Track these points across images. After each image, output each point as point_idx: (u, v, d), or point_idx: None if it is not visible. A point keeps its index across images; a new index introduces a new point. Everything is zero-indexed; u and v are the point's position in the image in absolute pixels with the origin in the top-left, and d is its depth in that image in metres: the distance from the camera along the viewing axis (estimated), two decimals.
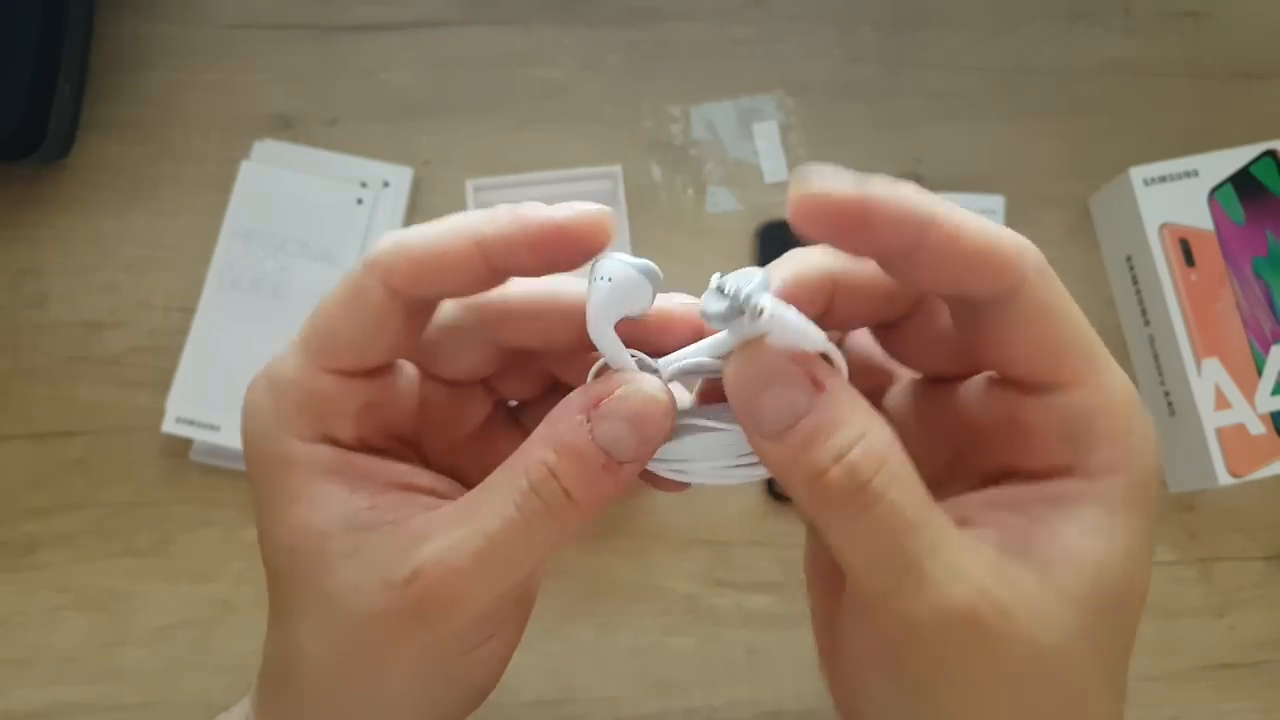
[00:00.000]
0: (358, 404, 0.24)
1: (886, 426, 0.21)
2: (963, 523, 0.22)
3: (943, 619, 0.20)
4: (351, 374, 0.24)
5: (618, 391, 0.22)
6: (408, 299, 0.23)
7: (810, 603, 0.27)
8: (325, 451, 0.24)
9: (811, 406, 0.21)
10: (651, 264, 0.22)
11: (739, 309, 0.21)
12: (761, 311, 0.20)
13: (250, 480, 0.25)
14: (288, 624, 0.24)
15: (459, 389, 0.27)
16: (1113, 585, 0.22)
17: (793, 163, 0.54)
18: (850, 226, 0.20)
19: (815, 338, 0.21)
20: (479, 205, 0.50)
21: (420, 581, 0.22)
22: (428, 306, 0.25)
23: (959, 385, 0.26)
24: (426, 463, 0.27)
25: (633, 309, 0.22)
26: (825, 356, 0.21)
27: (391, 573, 0.22)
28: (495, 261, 0.23)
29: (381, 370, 0.25)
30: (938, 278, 0.22)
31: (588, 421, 0.22)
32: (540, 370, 0.28)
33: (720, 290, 0.22)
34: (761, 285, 0.21)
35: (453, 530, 0.22)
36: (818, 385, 0.21)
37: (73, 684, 0.48)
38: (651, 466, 0.24)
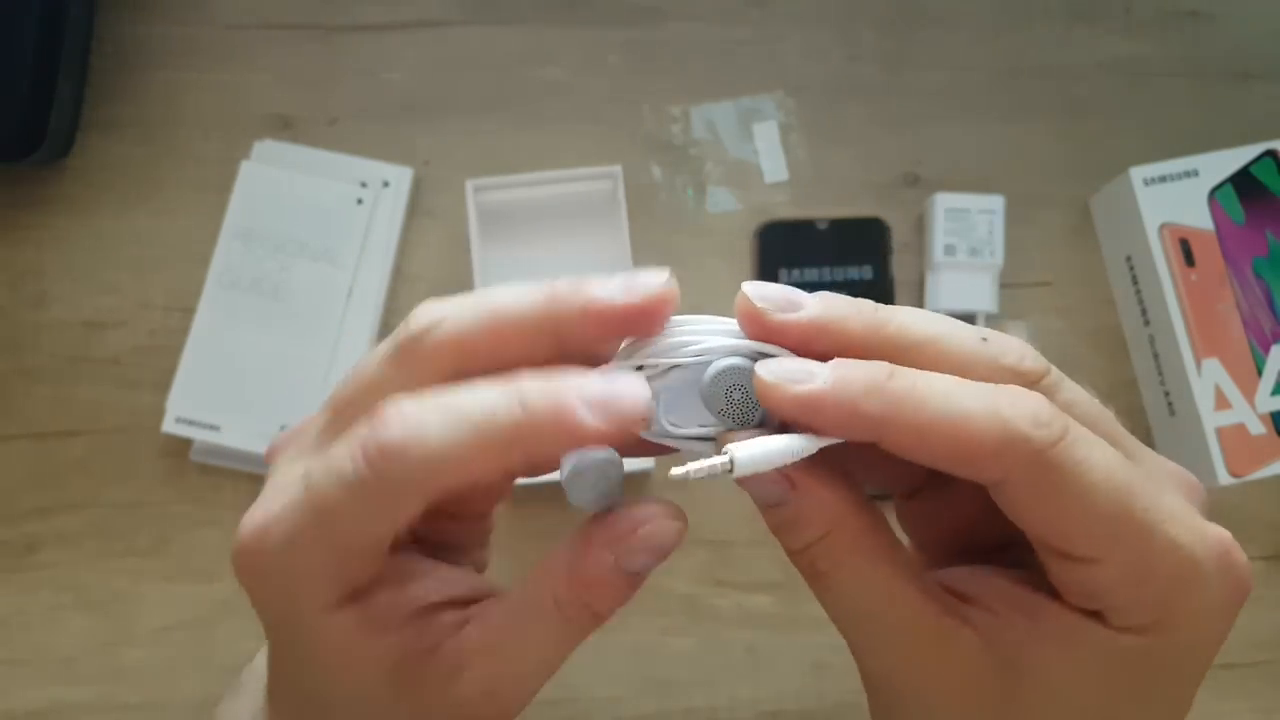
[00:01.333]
0: (378, 556, 0.23)
1: (856, 521, 0.22)
2: (961, 596, 0.23)
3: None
4: (366, 553, 0.23)
5: (643, 531, 0.23)
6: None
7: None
8: (350, 617, 0.23)
9: (785, 500, 0.22)
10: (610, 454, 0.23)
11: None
12: (731, 468, 0.21)
13: (269, 638, 0.25)
14: None
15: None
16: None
17: (793, 163, 0.54)
18: (804, 416, 0.21)
19: (781, 459, 0.21)
20: (479, 205, 0.50)
21: (470, 711, 0.23)
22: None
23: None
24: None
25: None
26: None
27: (441, 703, 0.23)
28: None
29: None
30: (915, 464, 0.21)
31: (613, 556, 0.23)
32: None
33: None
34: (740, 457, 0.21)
35: (491, 663, 0.23)
36: (791, 483, 0.22)
37: (73, 684, 0.48)
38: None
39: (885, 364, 0.21)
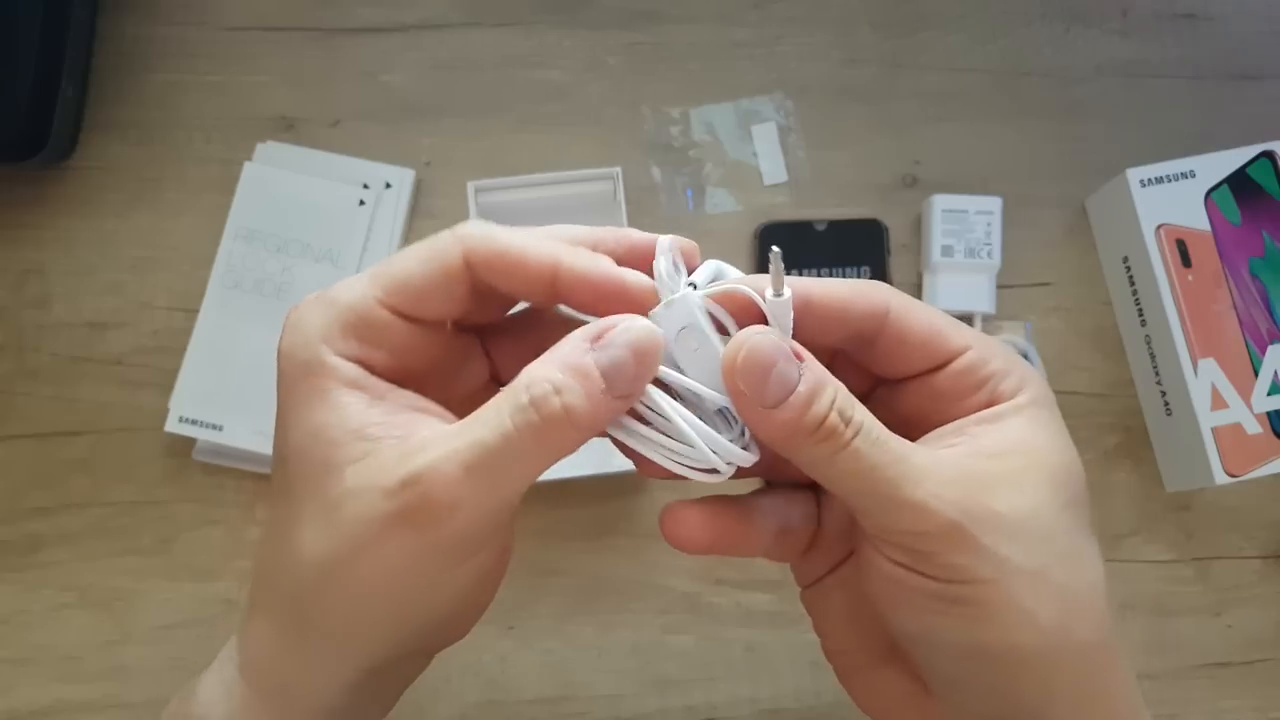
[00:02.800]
0: (399, 342, 0.27)
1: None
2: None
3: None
4: (405, 317, 0.27)
5: (620, 324, 0.25)
6: (477, 279, 0.26)
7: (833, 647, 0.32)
8: (355, 369, 0.26)
9: (800, 375, 0.25)
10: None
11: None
12: (782, 292, 0.26)
13: (278, 390, 0.27)
14: (289, 527, 0.26)
15: (468, 347, 0.30)
16: (1060, 460, 0.27)
17: (791, 164, 0.55)
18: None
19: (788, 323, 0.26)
20: (480, 206, 0.50)
21: (414, 489, 0.24)
22: (487, 292, 0.27)
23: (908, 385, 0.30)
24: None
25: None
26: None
27: (388, 479, 0.24)
28: (560, 293, 0.26)
29: (426, 324, 0.27)
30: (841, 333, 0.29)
31: (592, 349, 0.25)
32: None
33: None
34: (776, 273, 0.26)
35: (450, 442, 0.24)
36: (799, 356, 0.26)
37: (76, 682, 0.48)
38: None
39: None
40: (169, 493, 0.50)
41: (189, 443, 0.50)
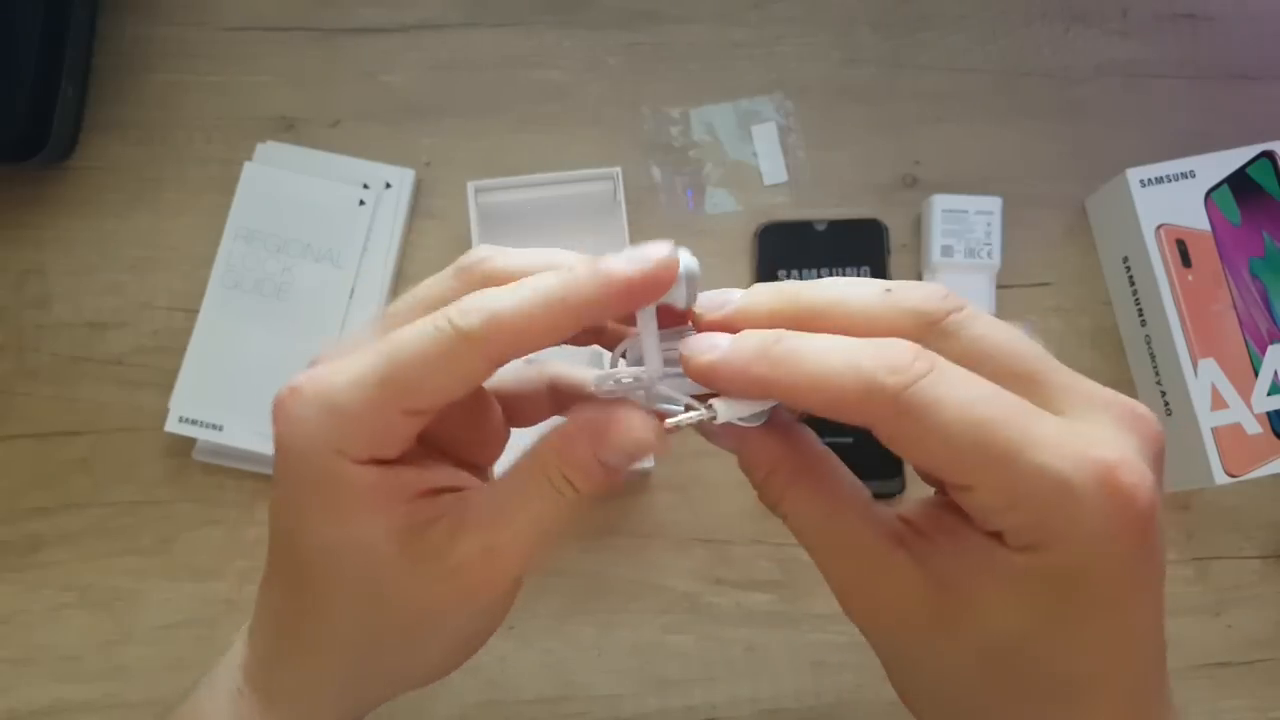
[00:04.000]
0: (413, 434, 0.26)
1: (793, 462, 0.27)
2: (913, 526, 0.26)
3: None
4: (419, 413, 0.26)
5: (623, 428, 0.25)
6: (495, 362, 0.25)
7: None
8: (372, 473, 0.26)
9: (738, 450, 0.28)
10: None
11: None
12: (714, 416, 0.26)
13: (283, 481, 0.27)
14: (320, 613, 0.27)
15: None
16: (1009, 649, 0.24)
17: (791, 164, 0.55)
18: (710, 380, 0.25)
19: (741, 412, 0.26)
20: (480, 207, 0.50)
21: (469, 571, 0.26)
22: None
23: None
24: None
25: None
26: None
27: (442, 563, 0.26)
28: (583, 322, 0.25)
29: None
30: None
31: (592, 449, 0.25)
32: None
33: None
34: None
35: (490, 525, 0.26)
36: (741, 437, 0.27)
37: (76, 682, 0.48)
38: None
39: (779, 331, 0.24)
40: (169, 493, 0.50)
41: (189, 443, 0.50)
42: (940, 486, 0.27)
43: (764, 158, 0.55)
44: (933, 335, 0.24)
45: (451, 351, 0.24)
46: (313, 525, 0.26)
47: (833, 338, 0.24)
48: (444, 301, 0.25)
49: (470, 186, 0.50)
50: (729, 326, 0.25)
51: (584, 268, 0.24)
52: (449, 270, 0.27)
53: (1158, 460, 0.24)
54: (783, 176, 0.54)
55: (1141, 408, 0.25)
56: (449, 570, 0.26)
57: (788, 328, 0.24)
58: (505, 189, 0.50)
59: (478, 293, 0.25)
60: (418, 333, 0.25)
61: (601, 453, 0.25)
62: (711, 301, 0.26)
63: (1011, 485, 0.22)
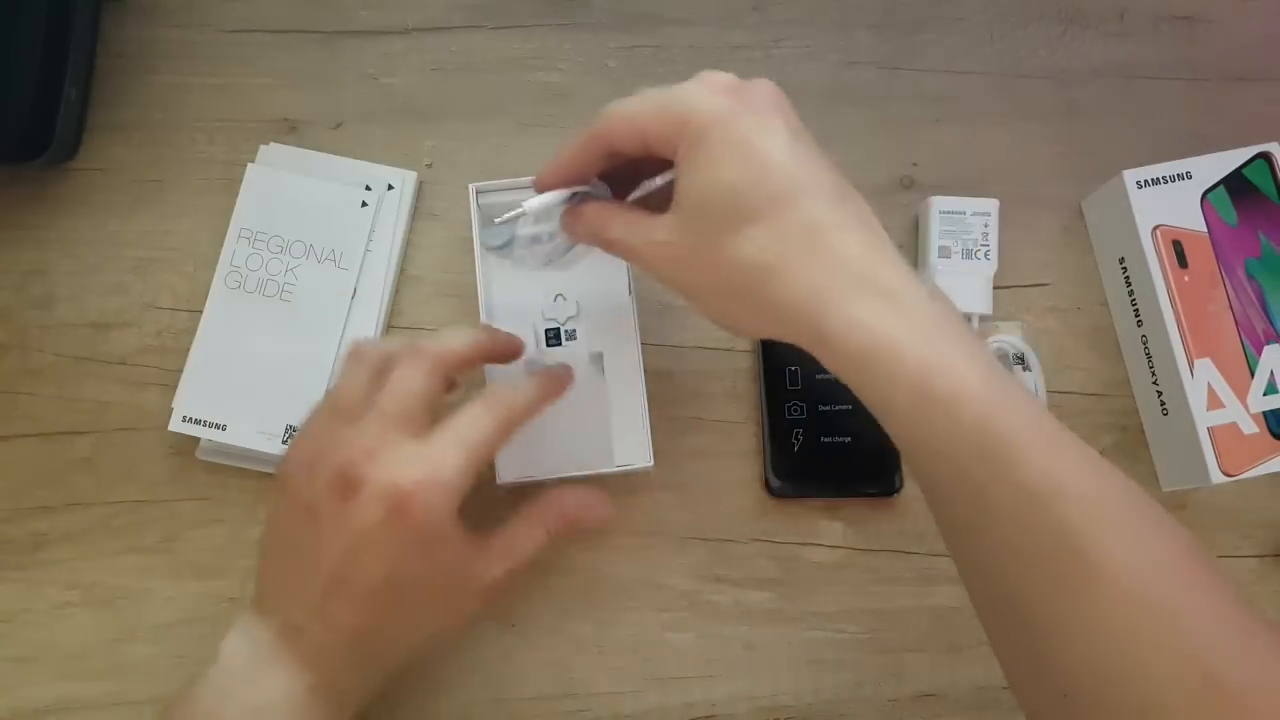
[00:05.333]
0: None
1: (606, 214, 0.42)
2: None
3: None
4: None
5: (573, 518, 0.45)
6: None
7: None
8: (460, 525, 0.40)
9: (571, 229, 0.43)
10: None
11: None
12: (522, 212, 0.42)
13: (402, 532, 0.38)
14: (401, 623, 0.41)
15: None
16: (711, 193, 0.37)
17: None
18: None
19: (553, 200, 0.42)
20: (481, 208, 0.51)
21: (498, 586, 0.42)
22: None
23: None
24: None
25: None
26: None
27: (480, 581, 0.42)
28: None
29: None
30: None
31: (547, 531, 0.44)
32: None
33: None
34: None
35: (511, 558, 0.43)
36: (573, 216, 0.43)
37: (79, 680, 0.48)
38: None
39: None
40: (172, 492, 0.50)
41: (192, 442, 0.50)
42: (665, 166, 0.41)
43: None
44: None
45: (508, 433, 0.41)
46: (421, 560, 0.39)
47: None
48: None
49: (471, 188, 0.50)
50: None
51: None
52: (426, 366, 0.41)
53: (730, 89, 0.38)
54: None
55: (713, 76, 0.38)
56: (484, 587, 0.42)
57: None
58: (506, 190, 0.51)
59: (509, 394, 0.42)
60: (491, 425, 0.40)
61: (557, 534, 0.44)
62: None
63: (668, 123, 0.37)
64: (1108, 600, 0.32)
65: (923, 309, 0.35)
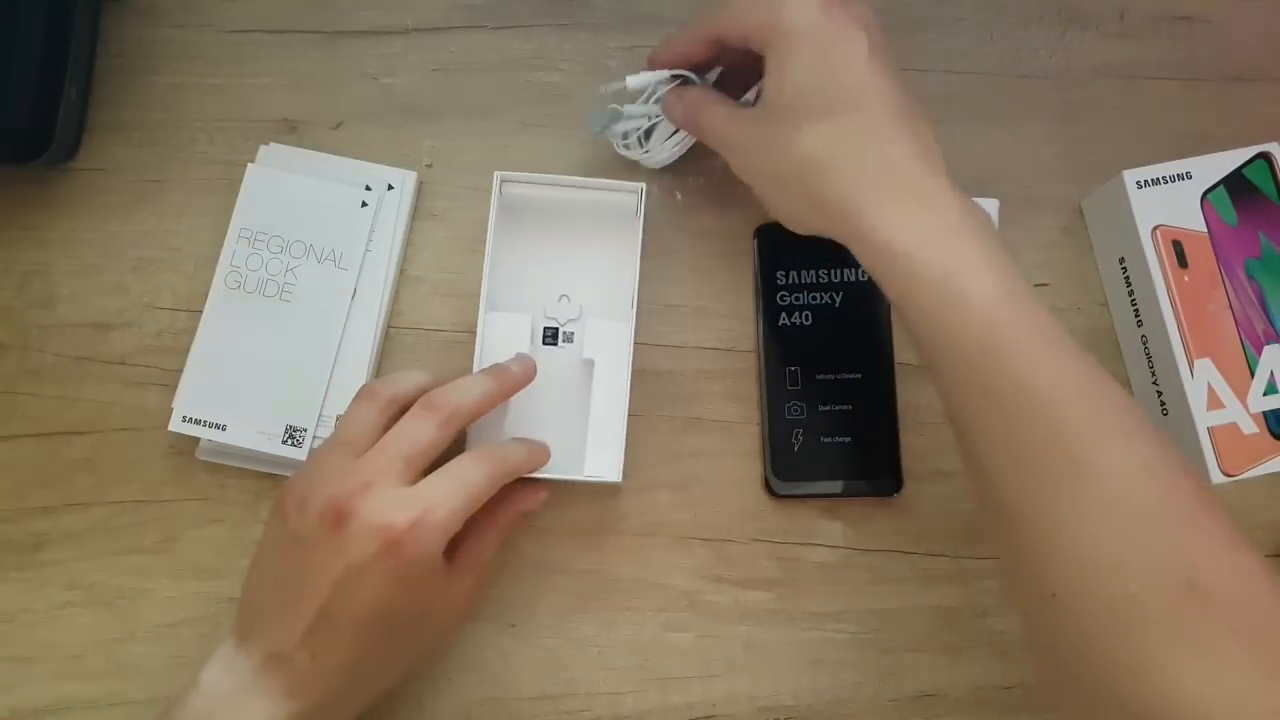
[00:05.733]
0: None
1: (697, 97, 0.47)
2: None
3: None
4: None
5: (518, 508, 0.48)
6: None
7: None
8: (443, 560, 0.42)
9: (670, 110, 0.49)
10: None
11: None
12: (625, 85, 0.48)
13: (395, 567, 0.39)
14: (394, 649, 0.43)
15: None
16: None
17: None
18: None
19: (654, 80, 0.48)
20: (504, 198, 0.50)
21: (472, 598, 0.46)
22: None
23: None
24: None
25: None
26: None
27: (459, 590, 0.45)
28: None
29: None
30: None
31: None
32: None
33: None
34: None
35: (480, 568, 0.46)
36: (672, 100, 0.48)
37: (80, 680, 0.48)
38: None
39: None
40: (172, 492, 0.50)
41: (192, 442, 0.50)
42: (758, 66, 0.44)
43: None
44: None
45: (496, 486, 0.43)
46: (412, 591, 0.40)
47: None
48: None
49: (496, 176, 0.49)
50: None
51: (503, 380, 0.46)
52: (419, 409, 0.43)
53: None
54: None
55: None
56: (460, 605, 0.45)
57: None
58: (530, 184, 0.50)
59: (500, 450, 0.44)
60: (482, 477, 0.42)
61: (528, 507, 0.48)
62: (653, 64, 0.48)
63: (765, 21, 0.42)
64: (1095, 499, 0.33)
65: (952, 216, 0.39)
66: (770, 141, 0.42)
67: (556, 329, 0.50)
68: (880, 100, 0.41)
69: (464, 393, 0.43)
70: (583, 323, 0.50)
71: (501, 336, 0.48)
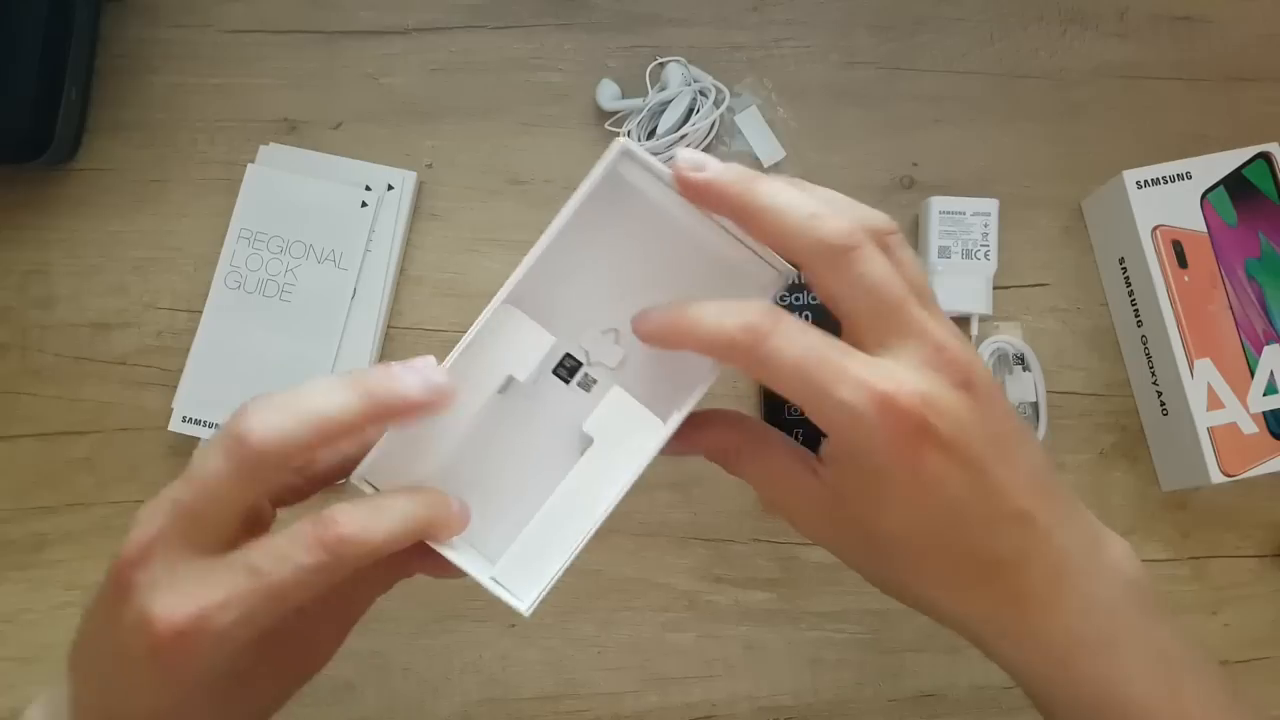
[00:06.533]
0: None
1: (739, 439, 0.35)
2: (822, 460, 0.33)
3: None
4: None
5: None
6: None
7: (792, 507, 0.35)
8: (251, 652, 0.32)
9: (690, 448, 0.35)
10: None
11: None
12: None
13: (176, 694, 0.29)
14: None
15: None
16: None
17: (783, 138, 0.55)
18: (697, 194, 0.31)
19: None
20: (615, 176, 0.33)
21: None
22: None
23: None
24: None
25: None
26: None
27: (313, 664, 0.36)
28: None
29: None
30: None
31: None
32: None
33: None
34: None
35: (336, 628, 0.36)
36: (689, 442, 0.35)
37: None
38: None
39: (687, 303, 0.31)
40: None
41: (192, 442, 0.50)
42: None
43: (756, 141, 0.55)
44: (836, 264, 0.30)
45: (340, 573, 0.29)
46: (223, 699, 0.32)
47: (718, 303, 0.30)
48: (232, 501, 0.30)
49: (618, 143, 0.32)
50: (700, 188, 0.30)
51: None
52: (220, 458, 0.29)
53: (964, 382, 0.30)
54: (780, 153, 0.55)
55: (949, 342, 0.30)
56: (311, 655, 0.35)
57: (731, 215, 0.31)
58: (661, 182, 0.33)
59: (356, 508, 0.29)
60: (311, 563, 0.28)
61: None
62: (691, 160, 0.31)
63: (825, 416, 0.29)
64: None
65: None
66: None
67: (580, 365, 0.35)
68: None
69: (290, 409, 0.29)
70: (612, 380, 0.34)
71: (502, 341, 0.33)
